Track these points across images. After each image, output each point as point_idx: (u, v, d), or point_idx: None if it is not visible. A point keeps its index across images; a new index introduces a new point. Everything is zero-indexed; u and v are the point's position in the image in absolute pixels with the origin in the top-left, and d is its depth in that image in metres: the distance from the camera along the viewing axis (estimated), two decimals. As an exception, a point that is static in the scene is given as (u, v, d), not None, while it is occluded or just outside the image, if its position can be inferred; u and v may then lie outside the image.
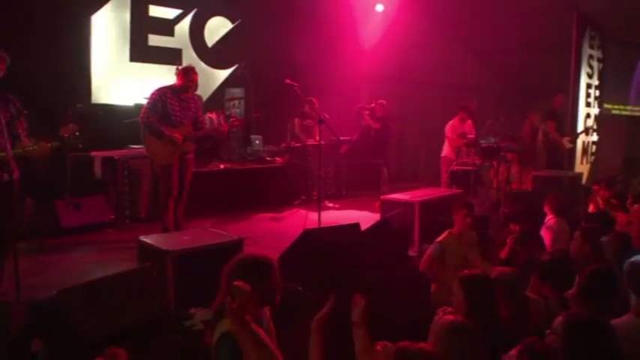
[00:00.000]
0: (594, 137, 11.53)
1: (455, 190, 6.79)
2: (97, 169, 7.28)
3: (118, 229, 6.88)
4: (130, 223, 7.05)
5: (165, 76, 9.42)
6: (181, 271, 3.89)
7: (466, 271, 3.05)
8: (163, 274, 3.85)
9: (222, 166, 8.30)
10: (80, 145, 6.84)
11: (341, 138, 10.35)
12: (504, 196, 7.46)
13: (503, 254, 4.83)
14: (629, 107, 13.97)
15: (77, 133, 6.77)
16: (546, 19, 12.60)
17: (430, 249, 4.84)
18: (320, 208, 6.00)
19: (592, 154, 11.49)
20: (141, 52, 9.57)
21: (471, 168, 7.58)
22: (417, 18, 12.55)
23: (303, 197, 9.28)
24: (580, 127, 10.69)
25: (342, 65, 11.85)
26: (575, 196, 8.66)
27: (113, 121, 8.46)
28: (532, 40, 12.99)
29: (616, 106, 13.51)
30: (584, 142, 11.04)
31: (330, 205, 9.08)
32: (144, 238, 4.21)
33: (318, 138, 9.63)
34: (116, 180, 7.09)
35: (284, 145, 9.33)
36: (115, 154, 7.35)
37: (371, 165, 10.38)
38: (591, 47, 11.08)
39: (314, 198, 9.29)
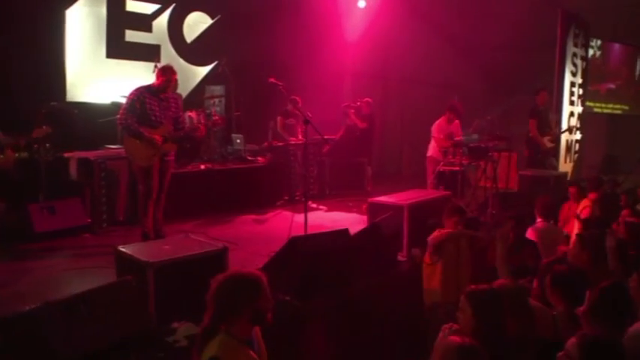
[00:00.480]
0: (577, 136, 11.51)
1: (443, 192, 6.65)
2: (73, 171, 6.98)
3: (94, 233, 6.61)
4: (107, 227, 6.76)
5: (142, 73, 9.16)
6: (163, 283, 3.67)
7: (473, 287, 2.88)
8: (144, 286, 3.62)
9: (202, 167, 8.06)
10: (50, 156, 6.59)
11: (324, 137, 10.28)
12: (492, 197, 7.34)
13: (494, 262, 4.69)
14: (610, 105, 14.05)
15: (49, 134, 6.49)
16: (530, 16, 12.60)
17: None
18: (306, 211, 5.77)
19: (575, 152, 11.46)
20: (117, 49, 9.26)
21: (458, 168, 7.44)
22: (400, 14, 12.44)
23: (286, 197, 9.09)
24: (564, 126, 10.65)
25: (325, 62, 11.67)
26: (562, 196, 8.61)
27: (89, 120, 8.17)
28: (515, 38, 12.95)
29: (597, 104, 13.56)
30: (567, 141, 11.01)
31: (315, 205, 8.89)
32: (122, 248, 3.97)
33: (300, 137, 9.51)
34: (92, 182, 6.79)
35: (266, 144, 9.12)
36: (91, 154, 7.06)
37: (355, 164, 10.20)
38: (575, 45, 11.05)
39: (297, 198, 9.14)
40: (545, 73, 13.33)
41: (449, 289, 4.52)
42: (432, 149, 8.02)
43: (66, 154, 7.09)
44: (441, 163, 7.44)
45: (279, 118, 9.42)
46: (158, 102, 5.92)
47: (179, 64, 9.96)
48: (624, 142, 13.68)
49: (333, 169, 9.97)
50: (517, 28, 12.80)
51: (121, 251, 3.96)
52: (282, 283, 4.34)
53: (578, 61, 11.31)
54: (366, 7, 12.50)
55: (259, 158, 9.09)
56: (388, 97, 13.71)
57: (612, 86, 14.15)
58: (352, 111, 10.19)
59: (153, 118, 5.86)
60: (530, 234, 5.29)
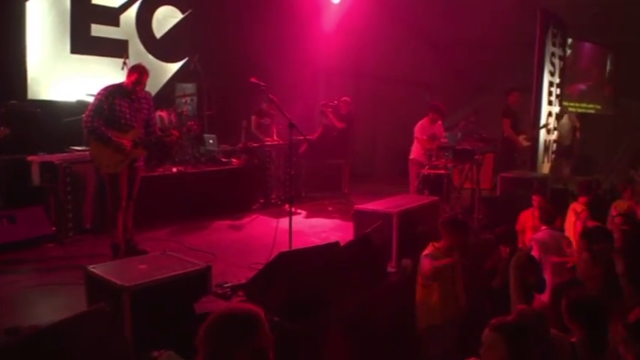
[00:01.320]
0: (554, 136, 11.43)
1: (430, 198, 6.39)
2: (35, 176, 6.47)
3: (60, 243, 6.14)
4: (73, 236, 6.31)
5: (110, 70, 8.76)
6: (141, 308, 3.30)
7: (498, 320, 2.59)
8: (120, 313, 3.25)
9: (174, 170, 7.63)
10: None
11: (302, 137, 9.94)
12: (478, 201, 7.13)
13: (497, 283, 4.45)
14: (583, 104, 14.06)
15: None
16: (503, 15, 12.48)
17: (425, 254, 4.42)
18: (291, 220, 5.42)
19: (553, 152, 11.39)
20: (83, 43, 8.74)
21: (443, 172, 7.21)
22: (373, 12, 12.16)
23: (262, 201, 8.73)
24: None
25: (298, 59, 11.35)
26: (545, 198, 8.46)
27: (52, 119, 7.69)
28: (487, 37, 12.88)
29: (572, 104, 13.55)
30: (545, 141, 10.91)
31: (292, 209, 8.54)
32: (93, 269, 3.57)
33: (276, 137, 9.15)
34: (57, 187, 6.32)
35: (241, 145, 8.73)
36: (56, 158, 6.58)
37: (331, 165, 9.89)
38: (554, 45, 10.94)
39: (273, 201, 8.79)
40: (518, 72, 13.28)
41: (448, 306, 4.28)
42: (414, 151, 7.76)
43: (28, 158, 6.57)
44: (426, 167, 7.17)
45: (253, 118, 9.04)
46: (129, 103, 5.48)
47: (148, 60, 9.47)
48: (597, 142, 13.72)
49: (309, 170, 9.64)
50: (489, 26, 12.71)
51: (91, 272, 3.56)
52: (270, 302, 4.01)
53: (556, 61, 11.22)
54: (340, 3, 12.17)
55: (234, 160, 8.70)
56: (361, 95, 13.44)
57: (583, 87, 14.16)
58: (330, 110, 9.88)
59: (123, 121, 5.42)
60: (534, 247, 5.06)
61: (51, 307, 4.32)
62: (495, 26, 12.66)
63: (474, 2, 12.92)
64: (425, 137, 7.58)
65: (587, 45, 14.38)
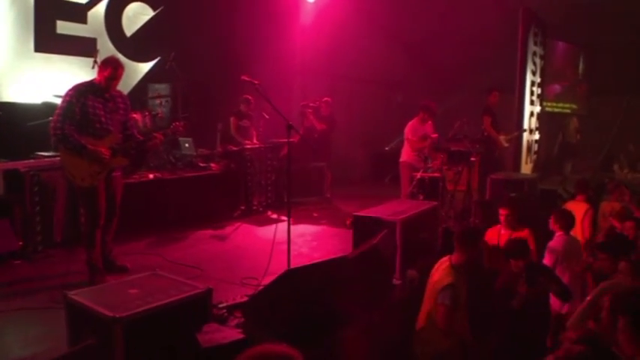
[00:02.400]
0: (537, 136, 11.29)
1: (429, 203, 6.04)
2: (-2, 186, 5.89)
3: (28, 260, 5.57)
4: (43, 252, 5.75)
5: (78, 69, 8.27)
6: (136, 342, 2.84)
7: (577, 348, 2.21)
8: (110, 348, 2.78)
9: (151, 176, 7.10)
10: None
11: (284, 140, 9.51)
12: (474, 205, 6.83)
13: (518, 303, 4.08)
14: (560, 104, 14.02)
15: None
16: (475, 15, 12.35)
17: (445, 298, 3.99)
18: (289, 227, 4.99)
19: (535, 152, 11.25)
20: (48, 42, 8.12)
21: (438, 175, 6.89)
22: (346, 12, 11.84)
23: (243, 208, 8.27)
24: (525, 126, 10.39)
25: (274, 58, 10.92)
26: (535, 200, 8.26)
27: (16, 123, 7.07)
28: (462, 36, 12.73)
29: (549, 104, 13.46)
30: (528, 141, 10.76)
31: (275, 216, 8.13)
32: (75, 296, 3.08)
33: (255, 140, 8.70)
34: (23, 198, 5.75)
35: (220, 149, 8.24)
36: (21, 165, 6.00)
37: (313, 169, 9.48)
38: (535, 44, 10.79)
39: (254, 208, 8.35)
40: (491, 72, 13.20)
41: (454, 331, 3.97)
42: (405, 154, 7.41)
43: (-11, 166, 5.98)
44: (421, 170, 6.82)
45: (232, 120, 8.58)
46: (103, 103, 4.89)
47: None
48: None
49: (287, 173, 9.18)
50: (462, 26, 12.61)
51: (73, 300, 3.06)
52: (275, 324, 3.59)
53: (537, 60, 11.10)
54: (314, 3, 11.81)
55: (212, 165, 8.21)
56: (334, 95, 13.13)
57: (558, 87, 14.12)
58: (310, 111, 9.48)
59: (97, 125, 4.82)
60: (548, 256, 4.75)
61: (22, 337, 3.79)
62: (468, 26, 12.55)
63: (446, 2, 12.79)
64: (416, 138, 7.25)
65: (561, 44, 14.33)
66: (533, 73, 10.88)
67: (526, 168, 10.71)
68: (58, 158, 6.33)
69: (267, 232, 7.09)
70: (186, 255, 5.89)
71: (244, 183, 8.36)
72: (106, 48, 8.93)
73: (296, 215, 8.11)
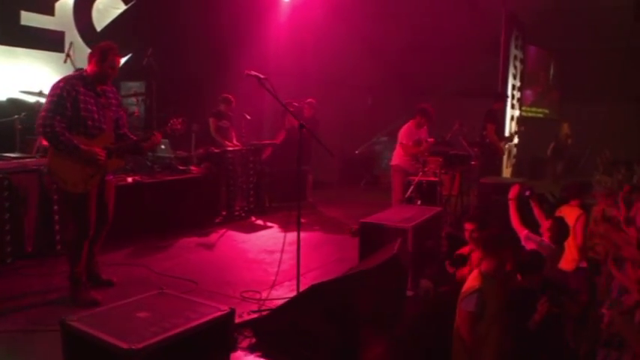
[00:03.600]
0: (516, 140, 11.21)
1: (433, 208, 5.72)
2: (-38, 190, 5.27)
3: (-4, 273, 4.98)
4: (12, 264, 5.15)
5: (44, 64, 7.81)
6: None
7: None
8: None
9: (130, 180, 6.56)
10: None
11: (267, 142, 9.10)
12: (473, 210, 6.58)
13: (533, 325, 3.69)
14: (533, 109, 14.04)
15: None
16: (448, 19, 12.28)
17: (470, 304, 3.65)
18: (299, 236, 4.56)
19: (514, 157, 11.15)
20: (11, 34, 7.48)
21: (435, 179, 6.60)
22: (321, 13, 11.54)
23: (224, 213, 7.82)
24: (507, 132, 10.29)
25: (246, 58, 10.51)
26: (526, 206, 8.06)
27: (-22, 122, 6.46)
28: (438, 40, 12.63)
29: (523, 108, 13.44)
30: (508, 146, 10.65)
31: (261, 222, 7.70)
32: (76, 323, 2.59)
33: (235, 141, 8.25)
34: (-9, 204, 5.15)
35: (202, 150, 7.75)
36: (-13, 167, 5.40)
37: (294, 172, 9.06)
38: (516, 47, 10.70)
39: (236, 214, 7.90)
40: (462, 76, 13.13)
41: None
42: (397, 157, 7.08)
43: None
44: (420, 174, 6.51)
45: (211, 120, 8.10)
46: (95, 98, 4.34)
47: (87, 54, 8.31)
48: (546, 146, 13.72)
49: (271, 178, 8.77)
50: (435, 31, 12.51)
51: (73, 328, 2.58)
52: (298, 347, 3.19)
53: (518, 64, 11.02)
54: (287, 6, 11.45)
55: (193, 168, 7.70)
56: (307, 97, 12.83)
57: (533, 92, 14.15)
58: (291, 110, 9.04)
59: (90, 122, 4.26)
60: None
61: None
62: (441, 30, 12.46)
63: (417, 7, 12.65)
64: (410, 143, 6.94)
65: (533, 48, 14.37)
66: (514, 77, 10.79)
67: (506, 172, 10.60)
68: (29, 160, 5.88)
69: (255, 239, 6.67)
70: (174, 266, 5.41)
71: (226, 187, 7.91)
72: (75, 42, 8.35)
73: (282, 221, 7.72)
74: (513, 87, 10.75)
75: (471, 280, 3.92)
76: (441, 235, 5.79)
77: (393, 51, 13.21)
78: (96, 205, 4.35)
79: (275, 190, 8.77)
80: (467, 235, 4.74)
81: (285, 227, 7.28)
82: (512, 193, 5.53)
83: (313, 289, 3.32)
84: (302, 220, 7.77)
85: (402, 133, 7.03)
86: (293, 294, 4.39)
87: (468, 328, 3.67)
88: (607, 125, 13.31)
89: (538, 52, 14.58)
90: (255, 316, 4.06)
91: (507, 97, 8.75)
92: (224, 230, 7.04)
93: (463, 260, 4.20)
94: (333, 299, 3.28)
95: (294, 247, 6.28)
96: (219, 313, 2.77)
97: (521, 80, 11.30)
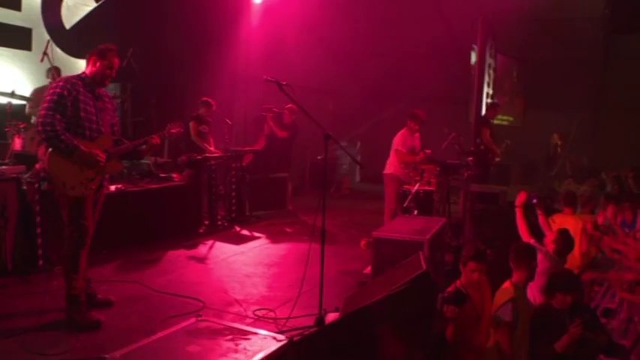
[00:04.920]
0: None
1: (439, 219, 5.55)
2: None
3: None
4: (-8, 282, 4.68)
5: (12, 62, 7.42)
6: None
7: None
8: None
9: (113, 188, 6.11)
10: None
11: (248, 148, 8.77)
12: (468, 221, 6.47)
13: (561, 346, 3.53)
14: (498, 116, 14.17)
15: None
16: (415, 27, 12.30)
17: (506, 313, 3.51)
18: (323, 246, 4.25)
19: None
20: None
21: (433, 188, 6.46)
22: (288, 17, 11.33)
23: (207, 222, 7.47)
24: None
25: (220, 62, 10.21)
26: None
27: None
28: (400, 48, 12.65)
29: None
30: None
31: (247, 232, 7.37)
32: None
33: (214, 147, 7.88)
34: (-34, 217, 4.68)
35: (184, 157, 7.35)
36: (-41, 175, 4.91)
37: (275, 180, 8.80)
38: (490, 56, 10.76)
39: (219, 223, 7.55)
40: (427, 83, 13.19)
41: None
42: (392, 166, 6.88)
43: None
44: (417, 184, 6.34)
45: (191, 124, 7.69)
46: (93, 101, 4.05)
47: (55, 53, 7.82)
48: (512, 153, 13.91)
49: (251, 185, 8.44)
50: (398, 37, 12.54)
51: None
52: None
53: (491, 72, 11.08)
54: (259, 9, 11.21)
55: (174, 175, 7.30)
56: (273, 102, 12.61)
57: (496, 101, 14.31)
58: (271, 116, 8.78)
59: (88, 124, 3.97)
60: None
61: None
62: (405, 36, 12.48)
63: (383, 13, 12.64)
64: (405, 150, 6.77)
65: (500, 56, 14.57)
66: (488, 85, 10.85)
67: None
68: (6, 167, 5.41)
69: (247, 251, 6.35)
70: (170, 282, 5.04)
71: (208, 195, 7.55)
72: (43, 40, 7.83)
73: (267, 231, 7.46)
74: (487, 95, 10.80)
75: (502, 294, 3.81)
76: (445, 246, 5.65)
77: (357, 56, 13.13)
78: (92, 211, 4.03)
79: (255, 198, 8.44)
80: (467, 274, 3.77)
81: (274, 238, 7.08)
82: (520, 200, 5.45)
83: (353, 315, 3.09)
84: (288, 230, 7.67)
85: (397, 141, 6.84)
86: (308, 311, 4.23)
87: (507, 340, 3.55)
88: (569, 133, 13.67)
89: (503, 60, 14.78)
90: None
91: (499, 107, 8.65)
92: (211, 241, 6.68)
93: (463, 299, 3.54)
94: (372, 324, 3.05)
95: (286, 259, 6.08)
96: (279, 345, 2.49)
97: (494, 88, 11.37)
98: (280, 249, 6.56)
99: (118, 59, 4.17)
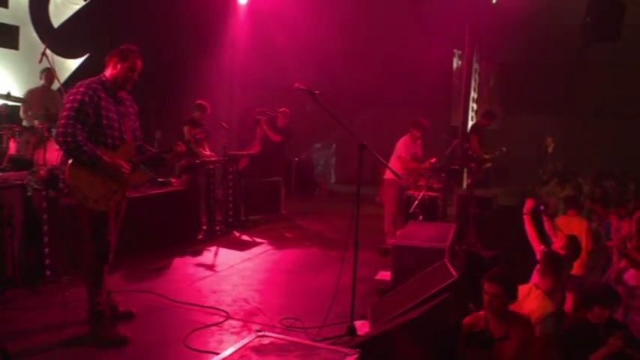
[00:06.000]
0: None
1: (450, 225, 5.54)
2: None
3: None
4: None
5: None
6: None
7: None
8: None
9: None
10: None
11: (244, 152, 8.63)
12: (471, 226, 6.50)
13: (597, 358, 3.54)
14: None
15: None
16: (388, 29, 12.37)
17: (549, 326, 3.53)
18: (356, 257, 4.17)
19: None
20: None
21: (438, 194, 6.47)
22: (267, 22, 11.28)
23: (205, 228, 7.33)
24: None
25: (210, 65, 10.08)
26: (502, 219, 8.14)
27: None
28: (377, 51, 12.72)
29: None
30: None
31: (248, 238, 7.25)
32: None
33: (208, 151, 7.74)
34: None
35: (184, 162, 7.17)
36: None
37: (269, 184, 8.69)
38: (476, 61, 10.88)
39: (217, 228, 7.42)
40: (406, 87, 13.28)
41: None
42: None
43: None
44: (423, 190, 6.34)
45: (186, 128, 7.51)
46: (115, 106, 3.83)
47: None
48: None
49: (246, 190, 8.32)
50: (377, 41, 12.59)
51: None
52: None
53: (477, 77, 11.21)
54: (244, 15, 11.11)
55: (173, 180, 7.13)
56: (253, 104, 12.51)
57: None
58: (264, 119, 8.68)
59: (109, 132, 3.75)
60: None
61: None
62: (383, 41, 12.55)
63: (363, 17, 12.67)
64: (409, 157, 6.78)
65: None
66: (474, 90, 10.97)
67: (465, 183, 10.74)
68: (9, 173, 5.19)
69: (254, 258, 6.25)
70: (184, 291, 4.89)
71: (207, 200, 7.41)
72: (30, 39, 7.62)
73: (267, 236, 7.37)
74: (473, 99, 10.92)
75: (535, 302, 3.83)
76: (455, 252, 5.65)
77: (335, 59, 13.12)
78: (114, 225, 3.87)
79: (250, 202, 8.32)
80: (486, 299, 3.39)
81: (276, 244, 6.98)
82: (527, 207, 5.50)
83: (403, 327, 3.05)
84: (288, 235, 7.59)
85: (401, 147, 6.85)
86: (331, 320, 4.18)
87: (555, 351, 3.57)
88: (546, 136, 13.91)
89: (483, 66, 14.98)
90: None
91: (496, 116, 8.72)
92: (214, 247, 6.55)
93: (490, 342, 3.27)
94: (421, 335, 3.02)
95: (295, 266, 5.99)
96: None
97: (478, 93, 11.51)
98: (286, 255, 6.47)
99: (140, 60, 3.90)
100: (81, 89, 3.67)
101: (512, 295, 3.39)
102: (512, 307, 3.75)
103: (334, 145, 15.83)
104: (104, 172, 3.67)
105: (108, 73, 3.88)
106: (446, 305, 3.44)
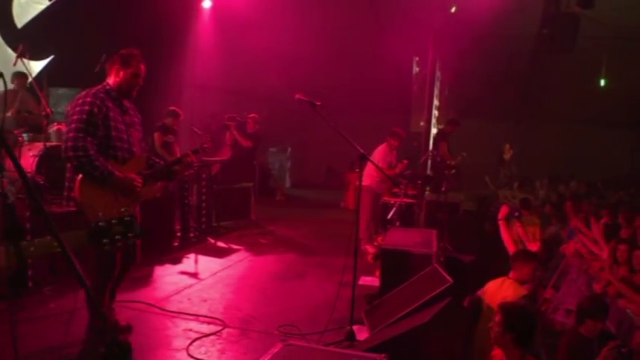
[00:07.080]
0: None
1: (431, 231, 5.68)
2: None
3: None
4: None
5: None
6: None
7: None
8: None
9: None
10: None
11: (216, 158, 8.56)
12: (446, 228, 6.71)
13: None
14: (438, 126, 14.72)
15: None
16: (353, 36, 12.55)
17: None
18: (356, 260, 4.23)
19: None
20: None
21: (414, 201, 6.64)
22: (233, 24, 11.26)
23: (179, 235, 7.26)
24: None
25: (173, 70, 9.95)
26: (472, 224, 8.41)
27: None
28: (339, 56, 12.87)
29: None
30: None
31: (223, 244, 7.23)
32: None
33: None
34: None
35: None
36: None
37: (240, 190, 8.67)
38: (438, 69, 11.16)
39: (191, 235, 7.36)
40: (367, 92, 13.54)
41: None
42: (368, 178, 6.99)
43: None
44: (401, 196, 6.49)
45: (156, 135, 7.44)
46: (122, 116, 3.70)
47: (6, 54, 7.34)
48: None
49: (218, 195, 8.27)
50: (339, 46, 12.74)
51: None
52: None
53: (438, 83, 11.49)
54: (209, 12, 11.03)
55: (147, 186, 7.01)
56: (209, 108, 12.43)
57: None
58: (234, 124, 8.66)
59: (118, 144, 3.61)
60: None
61: None
62: (346, 46, 12.70)
63: (325, 21, 12.81)
64: (385, 165, 6.94)
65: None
66: (436, 97, 11.26)
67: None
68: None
69: (235, 264, 6.27)
70: (172, 300, 4.86)
71: (181, 207, 7.34)
72: (-7, 39, 7.34)
73: (242, 242, 7.38)
74: (435, 106, 11.21)
75: (510, 289, 4.06)
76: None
77: (297, 65, 13.20)
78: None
79: (221, 208, 8.28)
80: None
81: (253, 250, 7.00)
82: (502, 213, 5.72)
83: (414, 331, 3.16)
84: (263, 242, 7.61)
85: (378, 156, 7.01)
86: (324, 326, 4.22)
87: None
88: (498, 142, 14.41)
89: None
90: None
91: (459, 124, 8.96)
92: (192, 255, 6.50)
93: None
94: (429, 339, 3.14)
95: (278, 273, 6.01)
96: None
97: (439, 100, 11.81)
98: (266, 262, 6.50)
99: (144, 65, 3.76)
100: (88, 99, 3.49)
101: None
102: (487, 301, 3.98)
103: (289, 149, 15.89)
104: (116, 187, 3.52)
105: (111, 81, 3.73)
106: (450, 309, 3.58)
